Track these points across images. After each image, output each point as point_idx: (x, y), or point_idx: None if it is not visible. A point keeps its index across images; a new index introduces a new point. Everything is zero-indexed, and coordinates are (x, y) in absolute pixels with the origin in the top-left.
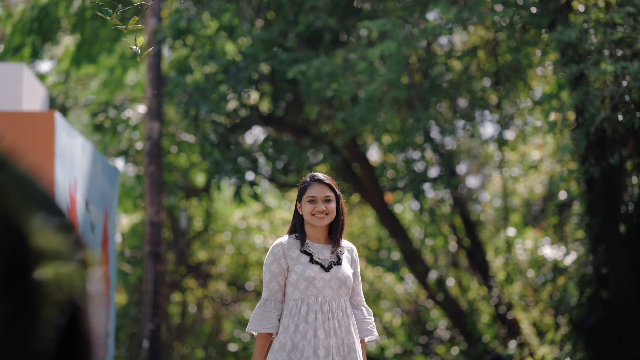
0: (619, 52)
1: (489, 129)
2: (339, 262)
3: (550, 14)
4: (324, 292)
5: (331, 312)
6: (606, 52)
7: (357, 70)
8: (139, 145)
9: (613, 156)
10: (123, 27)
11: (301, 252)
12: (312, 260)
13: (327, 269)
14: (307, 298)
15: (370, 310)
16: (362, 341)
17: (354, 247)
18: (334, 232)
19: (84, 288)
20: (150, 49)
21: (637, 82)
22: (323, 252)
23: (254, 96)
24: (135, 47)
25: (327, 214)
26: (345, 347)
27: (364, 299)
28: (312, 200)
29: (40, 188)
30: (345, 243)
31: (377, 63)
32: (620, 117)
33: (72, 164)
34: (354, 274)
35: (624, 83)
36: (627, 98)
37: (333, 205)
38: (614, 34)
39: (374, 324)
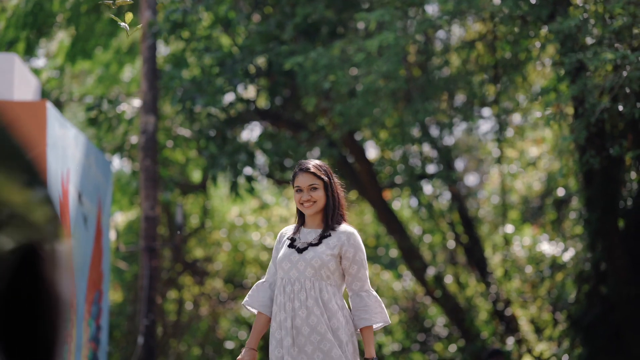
0: (619, 42)
1: (487, 125)
2: (317, 244)
3: (549, 6)
4: (290, 273)
5: (293, 293)
6: (606, 43)
7: (354, 62)
8: (134, 140)
9: (614, 147)
10: (111, 1)
11: (288, 237)
12: (291, 244)
13: (300, 250)
14: (276, 280)
15: (374, 295)
16: (363, 330)
17: (350, 231)
18: (325, 216)
19: (54, 255)
20: (139, 26)
21: (638, 72)
22: (307, 237)
23: (250, 90)
24: (124, 23)
25: (314, 202)
26: (307, 327)
27: (366, 284)
28: (299, 190)
29: (27, 159)
30: (343, 227)
31: (375, 55)
32: (620, 108)
33: (64, 155)
34: (344, 257)
35: (624, 73)
36: (627, 90)
37: (319, 192)
38: (614, 23)
39: (375, 310)
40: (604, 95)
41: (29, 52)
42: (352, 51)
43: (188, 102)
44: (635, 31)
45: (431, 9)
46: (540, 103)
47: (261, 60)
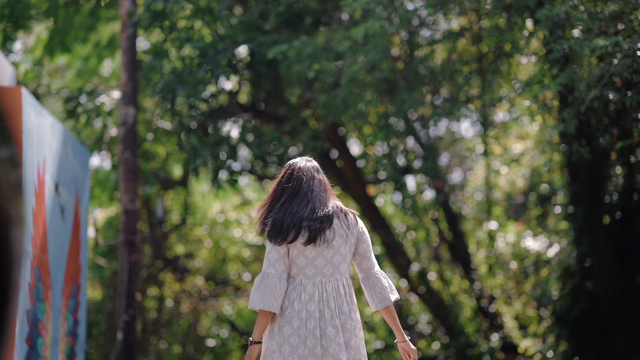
0: (611, 29)
1: (471, 121)
2: None
3: None
4: None
5: None
6: (596, 31)
7: (339, 50)
8: (114, 132)
9: (604, 137)
10: None
11: None
12: None
13: None
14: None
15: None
16: None
17: None
18: None
19: (9, 215)
20: None
21: (629, 59)
22: None
23: (233, 83)
24: None
25: None
26: None
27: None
28: None
29: (5, 124)
30: None
31: (361, 44)
32: (611, 96)
33: (40, 144)
34: None
35: (615, 61)
36: (617, 79)
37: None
38: (605, 9)
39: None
40: (593, 84)
41: (6, 45)
42: (337, 40)
43: (169, 94)
44: (620, 24)
45: (417, 1)
46: (526, 93)
47: (243, 51)
